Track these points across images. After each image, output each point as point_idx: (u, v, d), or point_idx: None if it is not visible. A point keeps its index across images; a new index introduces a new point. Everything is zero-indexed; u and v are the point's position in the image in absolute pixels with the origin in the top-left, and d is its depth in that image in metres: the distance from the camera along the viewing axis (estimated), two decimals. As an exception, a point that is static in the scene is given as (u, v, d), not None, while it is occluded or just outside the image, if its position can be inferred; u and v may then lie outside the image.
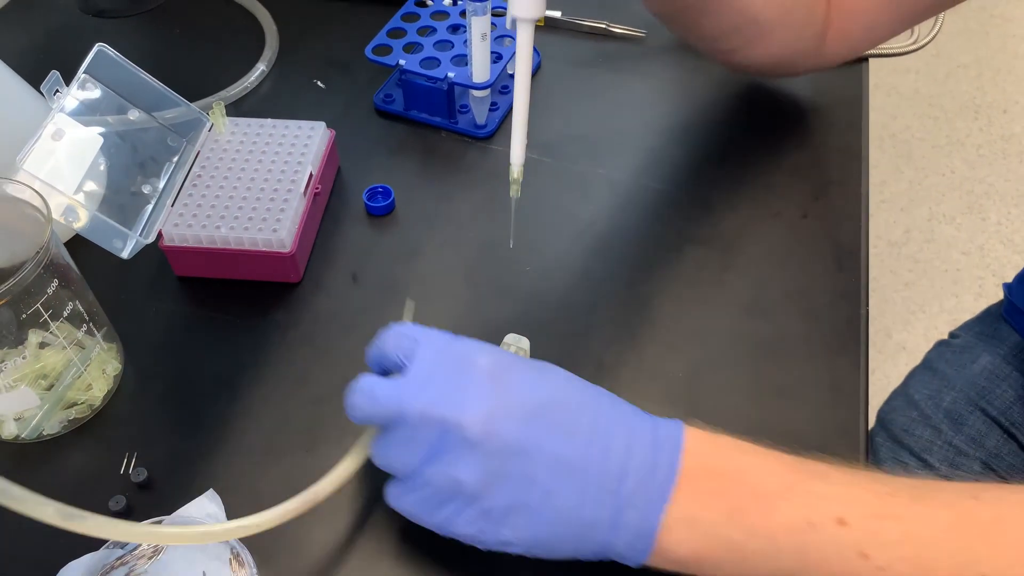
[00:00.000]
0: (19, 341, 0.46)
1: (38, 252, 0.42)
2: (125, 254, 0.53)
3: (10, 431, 0.48)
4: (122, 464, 0.47)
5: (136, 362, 0.52)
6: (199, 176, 0.57)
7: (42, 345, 0.47)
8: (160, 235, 0.54)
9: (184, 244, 0.54)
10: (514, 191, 0.47)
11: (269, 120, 0.60)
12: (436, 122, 0.66)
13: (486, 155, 0.64)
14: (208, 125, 0.60)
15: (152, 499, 0.46)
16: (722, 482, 0.37)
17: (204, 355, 0.53)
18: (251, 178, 0.56)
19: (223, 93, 0.68)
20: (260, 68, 0.70)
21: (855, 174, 0.62)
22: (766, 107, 0.63)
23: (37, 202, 0.45)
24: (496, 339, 0.52)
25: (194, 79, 0.69)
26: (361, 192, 0.61)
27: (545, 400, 0.38)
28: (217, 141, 0.59)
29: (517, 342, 0.51)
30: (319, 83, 0.70)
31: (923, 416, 0.69)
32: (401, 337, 0.40)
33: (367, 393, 0.39)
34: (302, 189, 0.56)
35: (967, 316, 0.79)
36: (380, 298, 0.55)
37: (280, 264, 0.54)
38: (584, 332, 0.53)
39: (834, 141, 0.64)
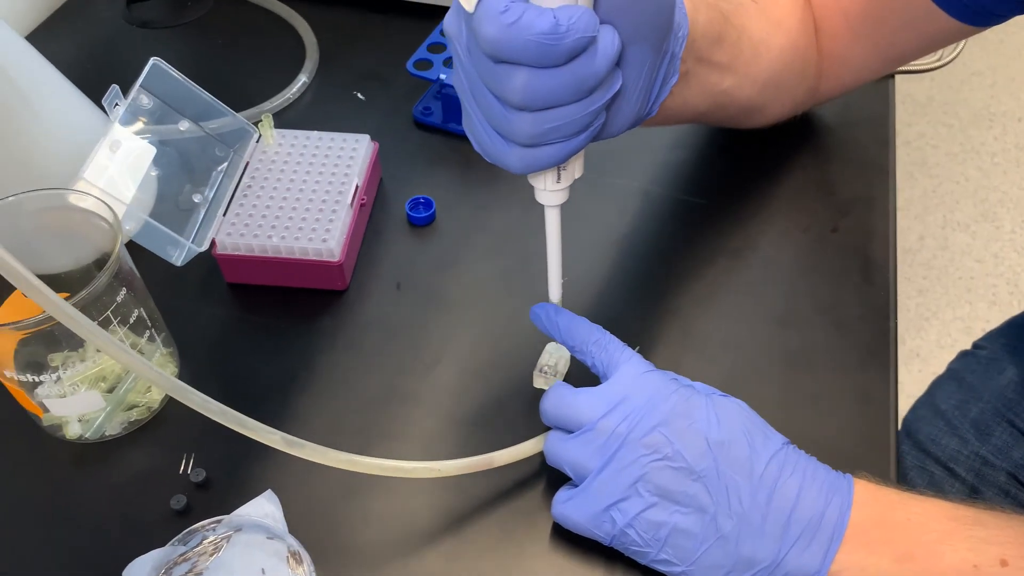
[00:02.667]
0: (79, 344, 0.48)
1: (110, 261, 0.44)
2: (179, 262, 0.55)
3: (75, 431, 0.50)
4: (180, 464, 0.50)
5: (191, 366, 0.55)
6: (249, 187, 0.59)
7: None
8: (213, 243, 0.56)
9: (237, 252, 0.56)
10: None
11: (315, 132, 0.62)
12: (474, 134, 0.68)
13: (523, 167, 0.66)
14: (256, 136, 0.62)
15: (211, 498, 0.48)
16: (889, 531, 0.41)
17: (255, 359, 0.55)
18: (299, 189, 0.58)
19: (266, 104, 0.70)
20: (302, 79, 0.72)
21: (883, 190, 0.64)
22: (796, 123, 0.65)
23: (102, 211, 0.47)
24: (536, 348, 0.54)
25: (235, 89, 0.71)
26: (402, 203, 0.63)
27: (727, 438, 0.41)
28: (265, 152, 0.61)
29: (558, 351, 0.53)
30: (359, 95, 0.72)
31: (949, 426, 0.71)
32: (602, 349, 0.46)
33: (559, 399, 0.44)
34: (349, 200, 0.58)
35: (980, 323, 0.80)
36: (423, 305, 0.57)
37: (328, 273, 0.56)
38: (630, 331, 0.55)
39: (862, 157, 0.66)
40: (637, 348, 0.47)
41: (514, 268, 0.59)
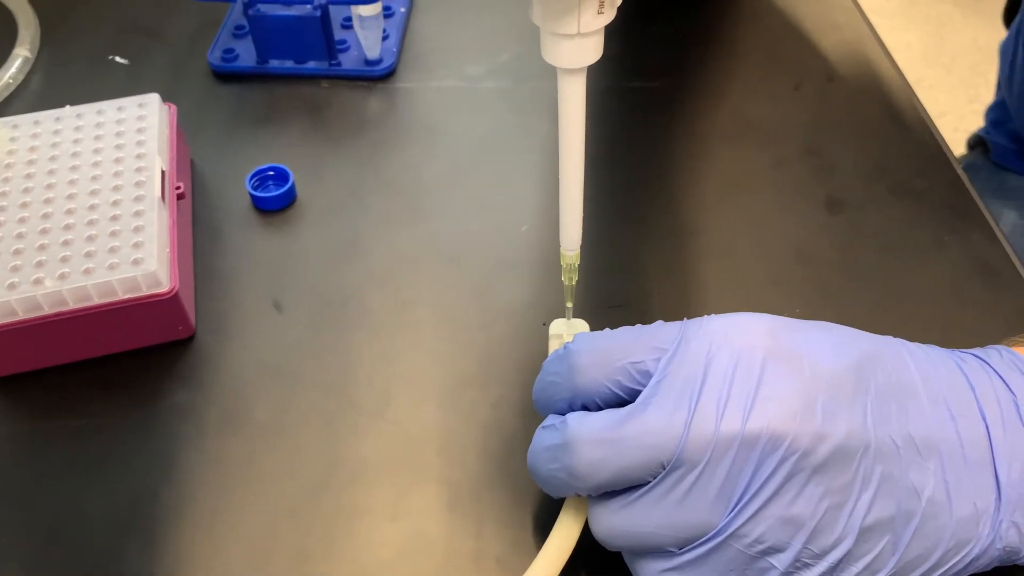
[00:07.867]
0: None
1: None
2: None
3: None
4: None
5: (-48, 543, 0.30)
6: (-24, 213, 0.35)
7: None
8: (-65, 321, 0.32)
9: (-17, 324, 0.32)
10: (568, 279, 0.32)
11: (67, 109, 0.39)
12: (310, 70, 0.46)
13: (394, 98, 0.46)
14: (-35, 139, 0.38)
15: None
16: None
17: (65, 496, 0.31)
18: (67, 196, 0.35)
19: (-28, 101, 0.45)
20: (21, 56, 0.48)
21: (856, 19, 0.49)
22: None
23: None
24: (533, 341, 0.34)
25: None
26: (238, 185, 0.41)
27: (859, 363, 0.25)
28: (-10, 156, 0.37)
29: (570, 328, 0.34)
30: (118, 59, 0.48)
31: None
32: (609, 348, 0.26)
33: (606, 440, 0.25)
34: (157, 192, 0.35)
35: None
36: (330, 327, 0.36)
37: (157, 314, 0.34)
38: (639, 286, 0.37)
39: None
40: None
41: (442, 236, 0.40)
